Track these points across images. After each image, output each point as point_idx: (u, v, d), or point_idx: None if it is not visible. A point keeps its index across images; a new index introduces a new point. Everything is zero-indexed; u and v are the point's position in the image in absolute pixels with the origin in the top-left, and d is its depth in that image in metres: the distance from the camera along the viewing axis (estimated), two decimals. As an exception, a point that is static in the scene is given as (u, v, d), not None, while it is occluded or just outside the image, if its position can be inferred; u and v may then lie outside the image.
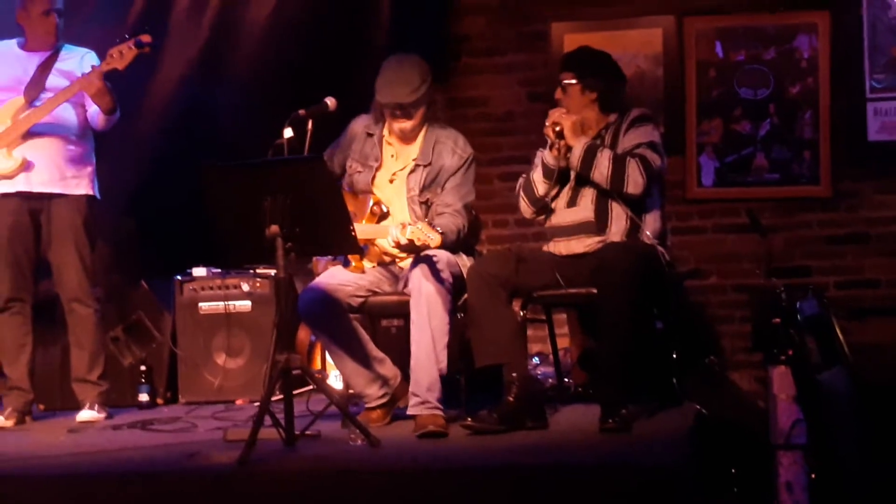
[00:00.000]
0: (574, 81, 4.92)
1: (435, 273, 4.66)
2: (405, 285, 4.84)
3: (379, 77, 4.94)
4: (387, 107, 4.93)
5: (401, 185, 4.99)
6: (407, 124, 4.94)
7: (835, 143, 6.52)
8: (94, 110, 5.47)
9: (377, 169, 5.02)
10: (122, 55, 5.34)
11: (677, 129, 6.61)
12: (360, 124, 5.10)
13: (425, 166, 4.95)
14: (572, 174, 4.92)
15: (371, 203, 4.95)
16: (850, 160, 6.52)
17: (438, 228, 4.60)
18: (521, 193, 5.05)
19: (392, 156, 5.04)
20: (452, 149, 4.96)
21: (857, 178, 6.52)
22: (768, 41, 6.62)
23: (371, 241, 4.90)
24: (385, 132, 5.05)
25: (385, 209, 4.93)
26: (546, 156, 4.92)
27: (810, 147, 6.56)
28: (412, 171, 4.97)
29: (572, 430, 4.64)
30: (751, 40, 6.64)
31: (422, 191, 4.90)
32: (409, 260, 4.81)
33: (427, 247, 4.55)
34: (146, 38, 5.35)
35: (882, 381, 5.09)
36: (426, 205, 4.92)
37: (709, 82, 6.67)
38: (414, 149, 5.00)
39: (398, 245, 4.62)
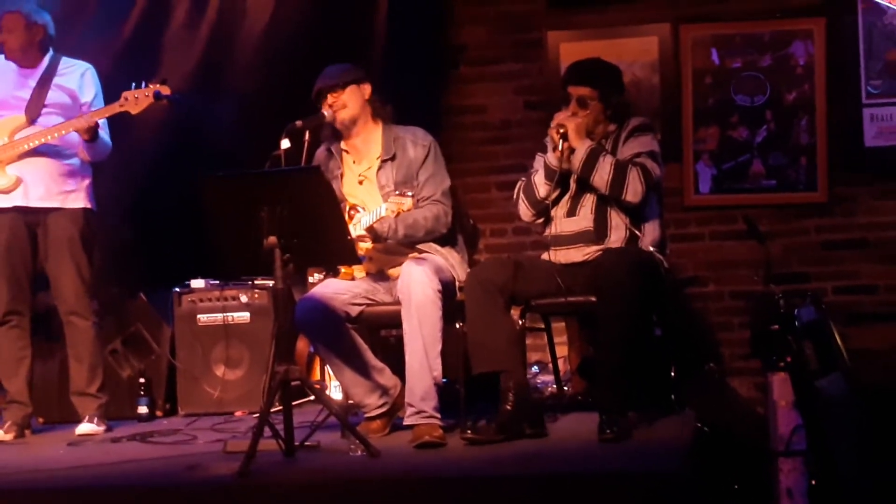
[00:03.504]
0: (594, 95, 4.92)
1: (424, 281, 4.67)
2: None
3: None
4: (321, 100, 5.00)
5: (371, 184, 5.03)
6: (344, 111, 4.98)
7: (831, 149, 6.52)
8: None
9: (341, 177, 5.06)
10: (138, 101, 5.31)
11: (674, 137, 6.60)
12: (321, 151, 5.15)
13: (391, 160, 4.99)
14: (572, 183, 4.93)
15: (347, 209, 4.98)
16: (847, 166, 6.52)
17: (409, 192, 4.70)
18: (521, 196, 5.05)
19: (354, 161, 5.09)
20: (413, 141, 5.02)
21: (854, 183, 6.52)
22: (764, 48, 6.63)
23: (365, 248, 4.91)
24: (342, 144, 5.10)
25: (361, 210, 4.96)
26: (549, 157, 4.93)
27: (807, 153, 6.57)
28: (380, 168, 5.01)
29: (572, 438, 4.64)
30: (747, 47, 6.65)
31: (396, 186, 4.91)
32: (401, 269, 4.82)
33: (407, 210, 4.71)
34: (165, 91, 5.32)
35: (880, 386, 5.09)
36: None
37: (705, 90, 6.68)
38: (375, 148, 5.05)
39: (382, 225, 4.76)
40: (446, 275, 4.87)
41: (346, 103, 5.00)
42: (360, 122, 5.04)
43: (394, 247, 4.95)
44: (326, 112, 5.01)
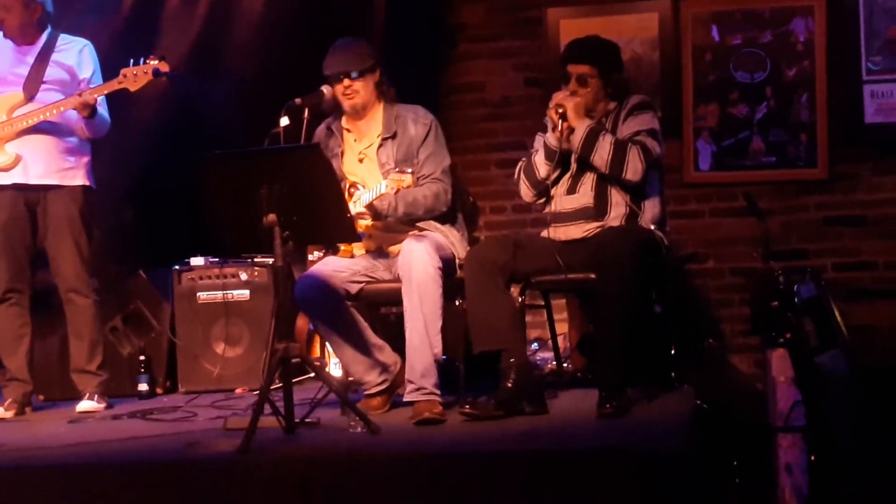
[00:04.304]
0: (593, 73, 4.91)
1: (424, 258, 4.67)
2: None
3: (326, 57, 5.00)
4: (334, 79, 4.97)
5: (371, 162, 5.03)
6: (356, 98, 4.96)
7: (832, 126, 6.52)
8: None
9: (341, 155, 5.05)
10: (137, 78, 5.31)
11: (674, 114, 6.60)
12: (321, 128, 5.13)
13: (392, 138, 4.98)
14: (573, 161, 4.92)
15: (347, 187, 4.97)
16: (847, 142, 6.52)
17: (409, 170, 4.70)
18: (522, 176, 5.04)
19: (354, 139, 5.08)
20: (414, 119, 5.01)
21: (854, 160, 6.53)
22: (764, 24, 6.61)
23: (364, 225, 4.91)
24: (343, 122, 5.08)
25: (361, 188, 4.96)
26: (549, 137, 4.92)
27: (807, 130, 6.56)
28: (380, 146, 5.00)
29: (571, 415, 4.65)
30: (747, 24, 6.64)
31: (397, 164, 4.90)
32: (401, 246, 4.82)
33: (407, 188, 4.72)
34: (164, 68, 5.32)
35: (879, 363, 5.10)
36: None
37: (705, 66, 6.67)
38: (376, 126, 5.03)
39: (383, 203, 4.75)
40: (446, 252, 4.87)
41: (360, 90, 4.97)
42: (366, 106, 5.03)
43: (393, 224, 4.95)
44: (326, 89, 5.00)
